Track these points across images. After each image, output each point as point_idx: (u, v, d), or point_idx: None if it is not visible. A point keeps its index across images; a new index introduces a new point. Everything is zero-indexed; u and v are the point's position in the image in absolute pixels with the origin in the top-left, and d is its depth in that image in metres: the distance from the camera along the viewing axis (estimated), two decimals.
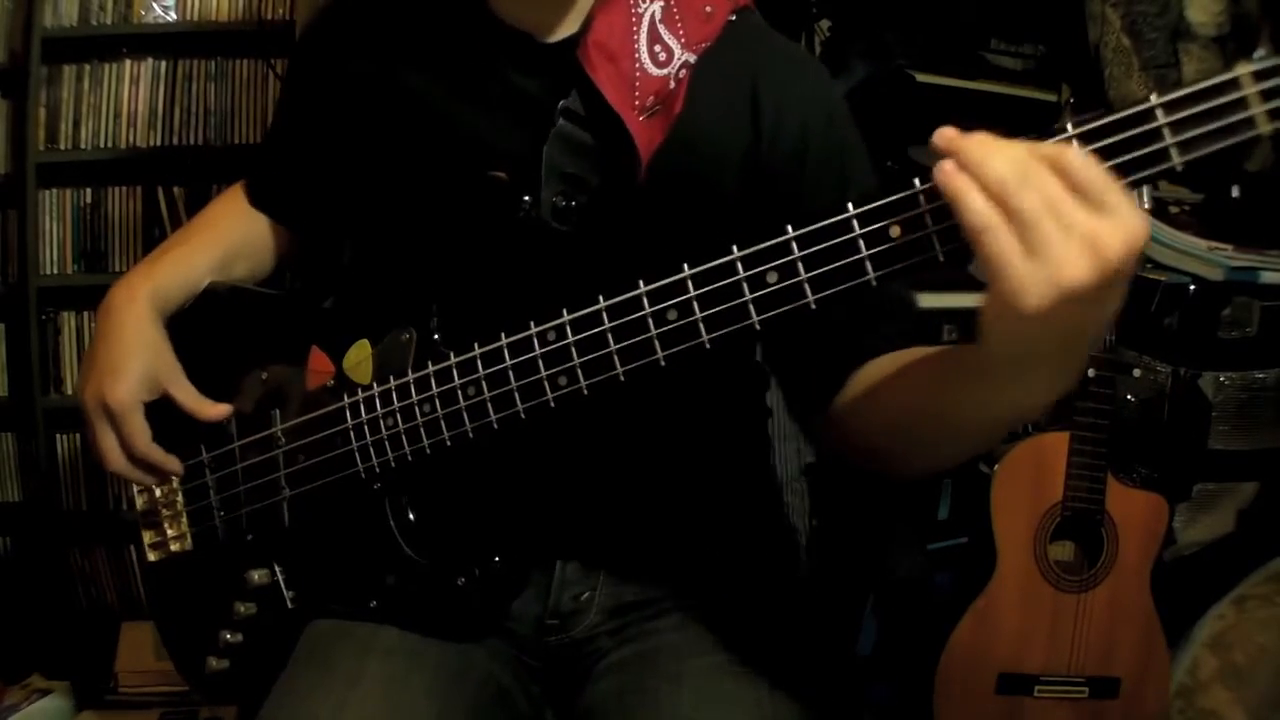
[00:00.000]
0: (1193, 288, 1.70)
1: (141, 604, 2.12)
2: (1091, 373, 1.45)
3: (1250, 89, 0.54)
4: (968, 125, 0.60)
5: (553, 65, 0.86)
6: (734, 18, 0.89)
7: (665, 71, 0.84)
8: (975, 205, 0.56)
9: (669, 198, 0.84)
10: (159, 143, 2.06)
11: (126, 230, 2.09)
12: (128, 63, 2.05)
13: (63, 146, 2.05)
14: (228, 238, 1.05)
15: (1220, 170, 1.93)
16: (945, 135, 0.59)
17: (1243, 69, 0.55)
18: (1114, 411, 1.48)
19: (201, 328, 1.01)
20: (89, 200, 2.08)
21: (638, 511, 0.95)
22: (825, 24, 1.84)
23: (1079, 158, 0.56)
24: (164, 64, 2.05)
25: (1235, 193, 1.89)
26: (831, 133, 0.89)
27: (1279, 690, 1.60)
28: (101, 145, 2.06)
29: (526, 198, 0.84)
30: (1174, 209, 1.84)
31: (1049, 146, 0.57)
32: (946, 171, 0.58)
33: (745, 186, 0.87)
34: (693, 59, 0.85)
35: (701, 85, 0.85)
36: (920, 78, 1.80)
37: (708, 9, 0.87)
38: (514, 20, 0.87)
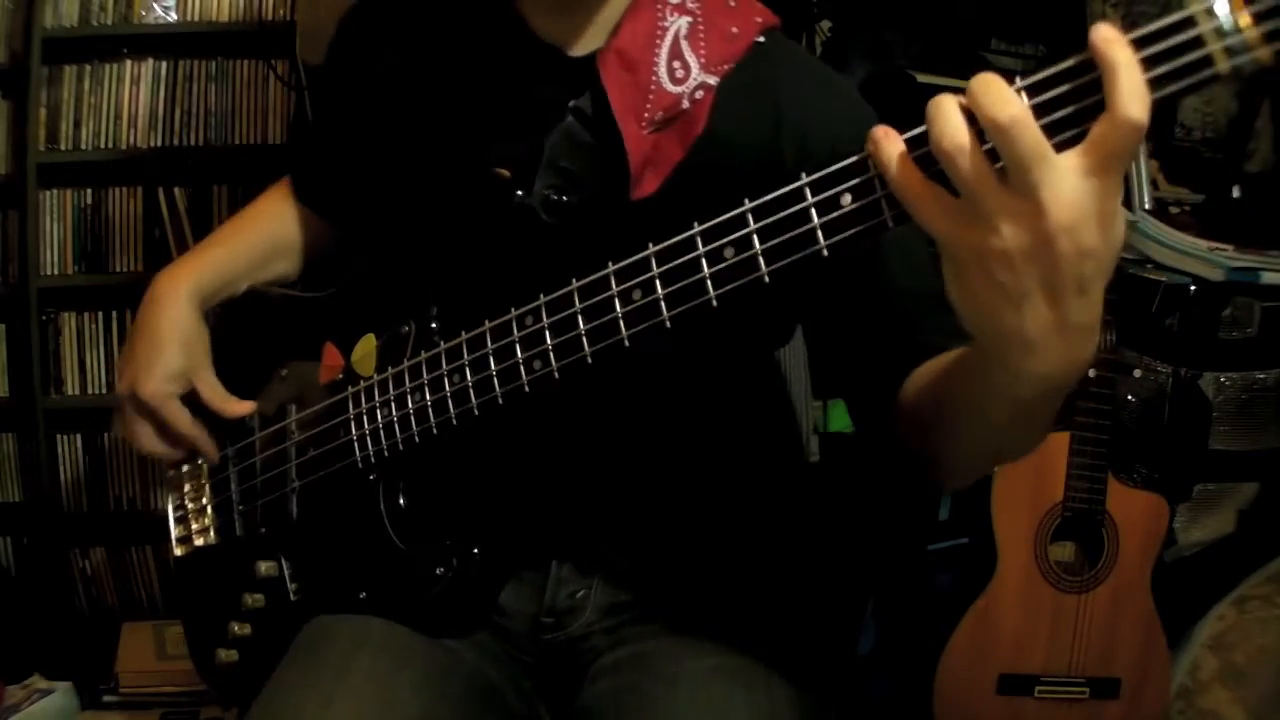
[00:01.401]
0: (1193, 288, 1.70)
1: (142, 604, 2.13)
2: (1092, 373, 1.45)
3: (1205, 26, 0.52)
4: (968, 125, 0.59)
5: (576, 75, 0.86)
6: (762, 39, 0.88)
7: (680, 90, 0.84)
8: (955, 123, 0.56)
9: (671, 210, 0.84)
10: (159, 143, 2.06)
11: (126, 230, 2.09)
12: (128, 63, 2.05)
13: (63, 147, 2.05)
14: (271, 235, 1.10)
15: (1220, 170, 1.93)
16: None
17: (1197, 5, 0.53)
18: (1114, 412, 1.48)
19: (233, 329, 1.06)
20: (89, 200, 2.08)
21: (636, 511, 0.95)
22: (825, 24, 1.85)
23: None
24: (164, 64, 2.05)
25: (1235, 193, 1.89)
26: (855, 149, 0.89)
27: (1279, 690, 1.60)
28: (102, 145, 2.06)
29: (520, 191, 0.85)
30: (1174, 209, 1.85)
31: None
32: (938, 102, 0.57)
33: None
34: (712, 81, 0.85)
35: (725, 106, 0.85)
36: (920, 78, 1.81)
37: (734, 30, 0.87)
38: (545, 34, 0.88)
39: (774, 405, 1.10)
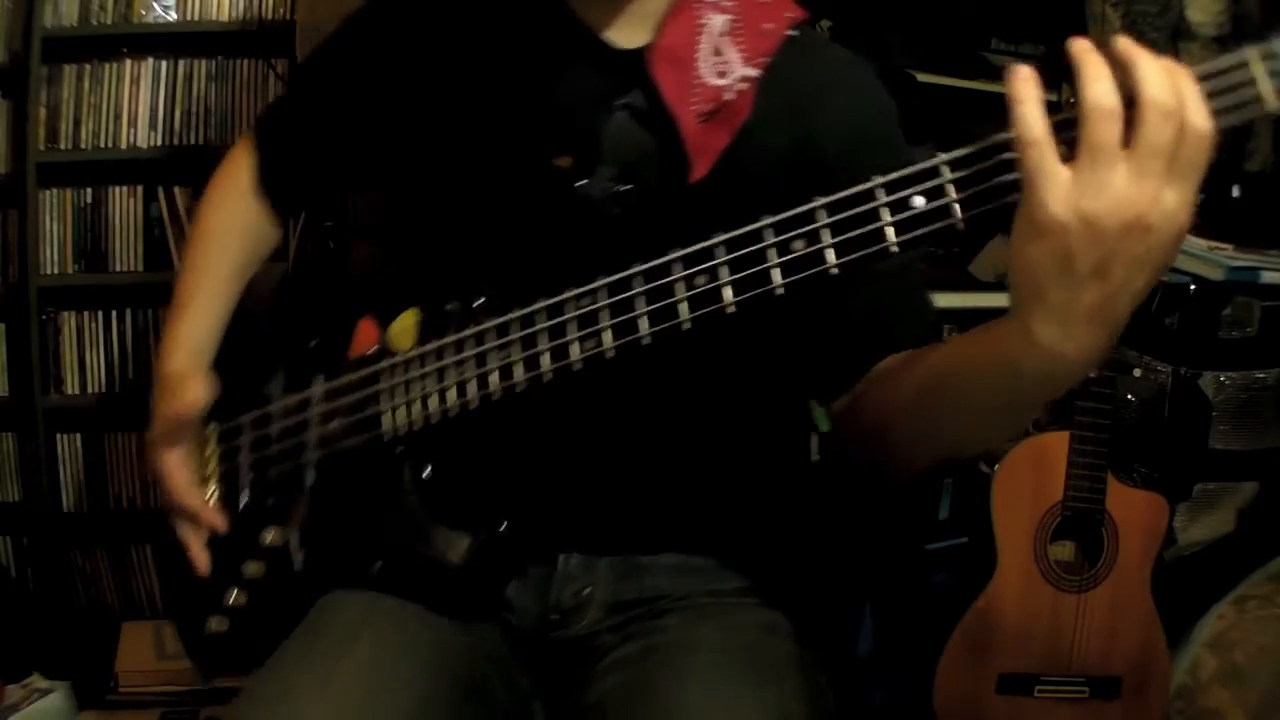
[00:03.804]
0: (1193, 288, 1.70)
1: (142, 604, 2.12)
2: (1092, 373, 1.45)
3: (1258, 68, 0.58)
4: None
5: (624, 69, 0.90)
6: (793, 32, 0.93)
7: (723, 82, 0.88)
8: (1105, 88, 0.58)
9: (724, 199, 0.86)
10: (159, 143, 2.06)
11: (126, 230, 2.08)
12: (128, 63, 2.05)
13: (63, 146, 2.05)
14: (234, 264, 1.09)
15: (1220, 170, 1.93)
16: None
17: (1251, 50, 0.59)
18: (1114, 411, 1.48)
19: (258, 305, 1.07)
20: (89, 200, 2.07)
21: (644, 505, 0.96)
22: (825, 24, 1.85)
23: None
24: (164, 64, 2.05)
25: (1235, 193, 1.89)
26: (884, 124, 0.93)
27: (1279, 690, 1.60)
28: (102, 145, 2.05)
29: (580, 182, 0.88)
30: None
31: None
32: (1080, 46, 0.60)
33: (798, 188, 0.90)
34: (754, 73, 0.89)
35: (767, 97, 0.89)
36: (920, 78, 1.81)
37: (767, 25, 0.91)
38: (593, 25, 0.91)
39: (784, 399, 1.11)
